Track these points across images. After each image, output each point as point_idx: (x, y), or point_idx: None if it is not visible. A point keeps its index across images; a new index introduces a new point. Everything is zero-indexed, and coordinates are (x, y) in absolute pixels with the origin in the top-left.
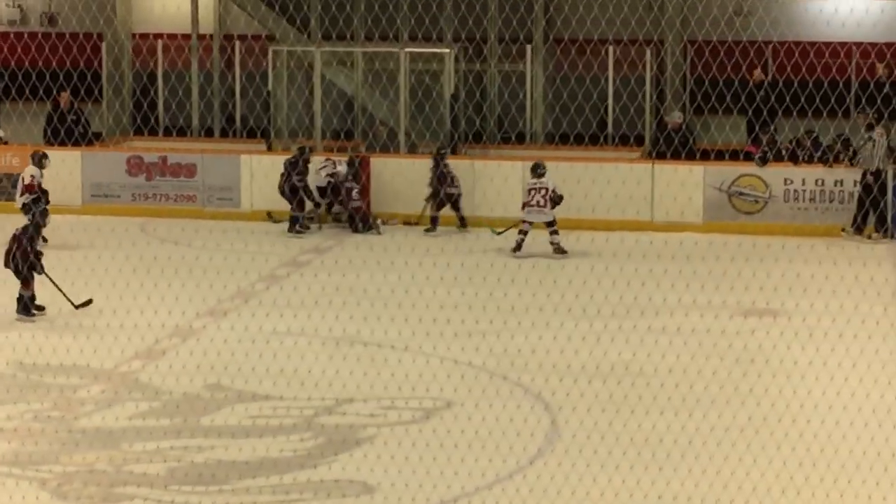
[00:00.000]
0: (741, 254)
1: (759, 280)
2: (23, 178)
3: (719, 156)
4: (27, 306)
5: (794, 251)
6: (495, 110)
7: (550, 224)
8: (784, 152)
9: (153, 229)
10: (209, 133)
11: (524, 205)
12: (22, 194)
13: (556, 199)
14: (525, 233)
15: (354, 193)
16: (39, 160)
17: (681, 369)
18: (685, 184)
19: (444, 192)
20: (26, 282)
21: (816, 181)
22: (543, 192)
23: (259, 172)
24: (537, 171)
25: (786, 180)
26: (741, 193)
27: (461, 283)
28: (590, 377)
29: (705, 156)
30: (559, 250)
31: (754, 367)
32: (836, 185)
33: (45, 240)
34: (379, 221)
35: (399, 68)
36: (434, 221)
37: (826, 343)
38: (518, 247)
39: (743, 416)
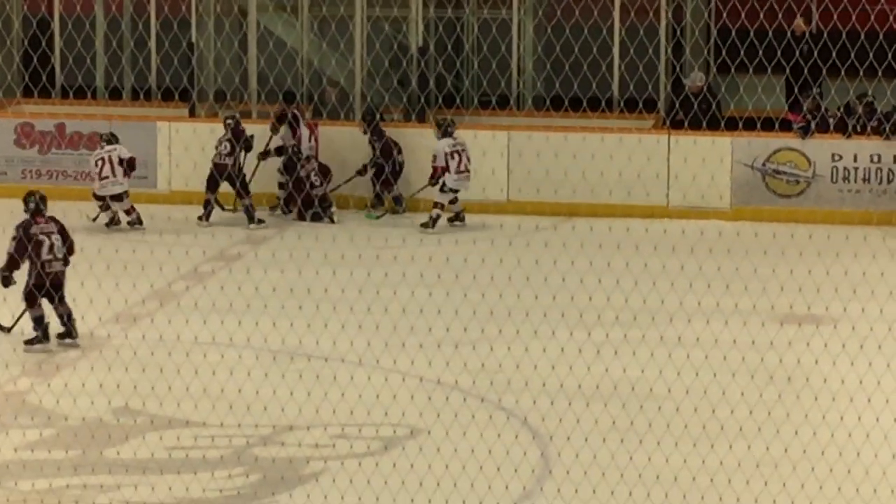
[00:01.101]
0: (776, 246)
1: (798, 279)
2: (120, 157)
3: (750, 125)
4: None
5: (843, 243)
6: (472, 68)
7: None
8: (831, 121)
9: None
10: (117, 95)
11: (442, 172)
12: (126, 174)
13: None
14: (443, 207)
15: (314, 176)
16: (112, 135)
17: (700, 390)
18: (708, 160)
19: (397, 161)
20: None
21: (871, 157)
22: (467, 154)
23: (179, 144)
24: (450, 127)
25: (833, 156)
26: (778, 172)
27: (428, 281)
28: (588, 399)
29: (733, 125)
30: (461, 218)
31: (791, 387)
32: (895, 161)
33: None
34: (332, 208)
35: (353, 14)
36: (398, 200)
37: (880, 357)
38: (434, 223)
39: (777, 447)
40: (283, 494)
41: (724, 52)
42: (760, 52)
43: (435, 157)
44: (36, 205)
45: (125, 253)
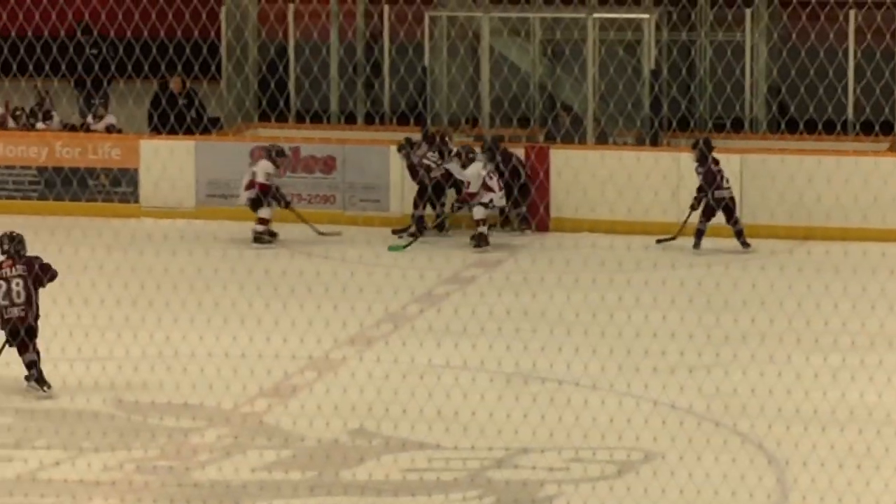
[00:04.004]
0: None
1: None
2: (255, 174)
3: None
4: None
5: None
6: (706, 91)
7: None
8: None
9: (282, 237)
10: (351, 119)
11: (470, 197)
12: (247, 189)
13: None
14: (485, 221)
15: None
16: (277, 155)
17: None
18: None
19: (712, 194)
20: None
21: None
22: (496, 175)
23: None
24: (472, 153)
25: None
26: None
27: (661, 305)
28: (824, 424)
29: None
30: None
31: None
32: None
33: (273, 234)
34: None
35: (586, 38)
36: (699, 235)
37: None
38: (487, 240)
39: None
40: None
41: None
42: None
43: (468, 183)
44: (5, 249)
45: (361, 277)
